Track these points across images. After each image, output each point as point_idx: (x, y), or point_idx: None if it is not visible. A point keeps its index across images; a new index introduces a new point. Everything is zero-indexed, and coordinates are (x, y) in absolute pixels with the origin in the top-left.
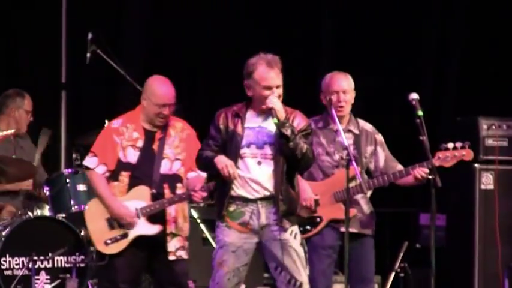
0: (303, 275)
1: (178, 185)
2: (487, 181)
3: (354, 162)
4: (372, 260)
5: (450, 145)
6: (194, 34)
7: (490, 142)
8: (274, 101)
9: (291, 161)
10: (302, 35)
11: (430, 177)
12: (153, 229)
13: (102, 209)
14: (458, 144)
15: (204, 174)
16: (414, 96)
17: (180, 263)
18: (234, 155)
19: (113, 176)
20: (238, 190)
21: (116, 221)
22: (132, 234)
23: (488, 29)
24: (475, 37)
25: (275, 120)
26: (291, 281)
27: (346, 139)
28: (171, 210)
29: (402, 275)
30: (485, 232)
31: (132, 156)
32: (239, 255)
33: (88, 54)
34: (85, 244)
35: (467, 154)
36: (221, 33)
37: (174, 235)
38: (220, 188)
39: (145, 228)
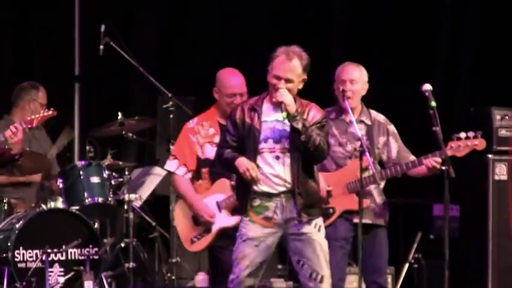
0: (324, 268)
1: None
2: (500, 172)
3: (367, 153)
4: (385, 251)
5: (462, 135)
6: (208, 25)
7: (503, 132)
8: (284, 94)
9: (304, 153)
10: (314, 24)
11: (443, 168)
12: (232, 220)
13: (187, 209)
14: (471, 134)
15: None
16: (427, 87)
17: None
18: (253, 151)
19: (196, 175)
20: (261, 186)
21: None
22: (215, 227)
23: (502, 18)
24: (489, 27)
25: (284, 114)
26: (312, 274)
27: (359, 130)
28: None
29: (416, 265)
30: (498, 223)
31: (210, 152)
32: (261, 250)
33: (101, 47)
34: (98, 236)
35: (480, 143)
36: (234, 24)
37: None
38: (242, 183)
39: (225, 220)
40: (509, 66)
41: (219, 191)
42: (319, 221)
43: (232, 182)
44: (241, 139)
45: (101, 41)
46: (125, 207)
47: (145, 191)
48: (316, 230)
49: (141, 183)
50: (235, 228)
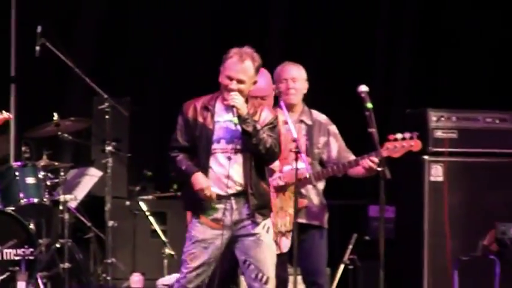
0: (270, 270)
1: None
2: (436, 173)
3: (303, 154)
4: (323, 252)
5: (399, 136)
6: (145, 27)
7: (439, 134)
8: (235, 97)
9: (256, 155)
10: (251, 24)
11: (379, 169)
12: None
13: None
14: (407, 135)
15: (299, 166)
16: (363, 88)
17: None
18: (206, 151)
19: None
20: (212, 187)
21: None
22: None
23: (439, 21)
24: (426, 29)
25: (235, 119)
26: (258, 275)
27: (299, 130)
28: None
29: (351, 267)
30: (434, 224)
31: None
32: (210, 252)
33: (37, 47)
34: (34, 237)
35: (416, 145)
36: (172, 25)
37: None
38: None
39: None
40: (445, 68)
41: None
42: (268, 222)
43: None
44: (193, 139)
45: (37, 42)
46: (60, 207)
47: (81, 192)
48: (264, 231)
49: (77, 184)
50: None
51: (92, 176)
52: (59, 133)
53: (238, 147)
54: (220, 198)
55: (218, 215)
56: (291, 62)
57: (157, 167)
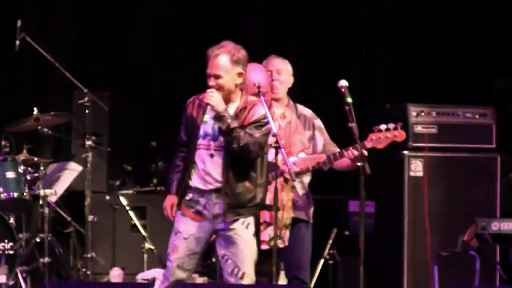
0: (247, 265)
1: (273, 174)
2: (416, 168)
3: (282, 149)
4: (307, 247)
5: (383, 126)
6: (124, 22)
7: (419, 129)
8: (211, 95)
9: (231, 153)
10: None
11: (359, 164)
12: None
13: None
14: (391, 126)
15: (304, 155)
16: (343, 83)
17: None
18: (193, 146)
19: None
20: (194, 181)
21: None
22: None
23: (418, 16)
24: (405, 24)
25: (206, 117)
26: (234, 270)
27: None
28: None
29: (331, 262)
30: (414, 219)
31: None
32: (190, 243)
33: (17, 42)
34: (13, 231)
35: (400, 135)
36: (153, 21)
37: (268, 224)
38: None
39: None
40: (425, 63)
41: None
42: (249, 219)
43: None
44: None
45: (16, 37)
46: (40, 202)
47: (61, 186)
48: (243, 227)
49: (57, 179)
50: None
51: (72, 170)
52: (39, 128)
53: (222, 144)
54: (202, 192)
55: (199, 207)
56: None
57: (137, 161)
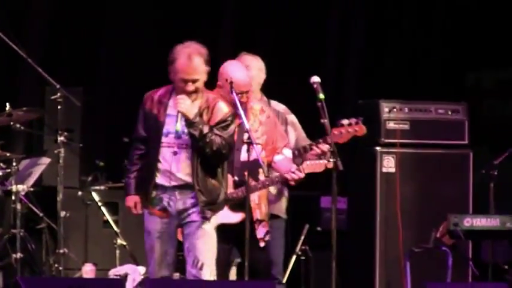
0: (207, 257)
1: (260, 170)
2: (388, 164)
3: (255, 146)
4: (280, 244)
5: (345, 121)
6: (97, 16)
7: (391, 125)
8: (181, 102)
9: (201, 153)
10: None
11: (331, 160)
12: (235, 217)
13: None
14: (353, 120)
15: (290, 155)
16: (315, 79)
17: (267, 249)
18: (156, 143)
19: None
20: (158, 179)
21: None
22: (216, 221)
23: (389, 11)
24: (376, 19)
25: (177, 126)
26: (195, 261)
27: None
28: (255, 197)
29: (303, 257)
30: (386, 215)
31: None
32: (164, 240)
33: None
34: None
35: (360, 129)
36: (124, 16)
37: (261, 221)
38: (143, 176)
39: (227, 216)
40: (396, 58)
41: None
42: (213, 214)
43: (235, 178)
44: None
45: None
46: (13, 198)
47: (31, 180)
48: (206, 220)
49: (29, 174)
50: (236, 225)
51: (43, 164)
52: (11, 123)
53: (187, 142)
54: (165, 189)
55: (163, 204)
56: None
57: (109, 157)
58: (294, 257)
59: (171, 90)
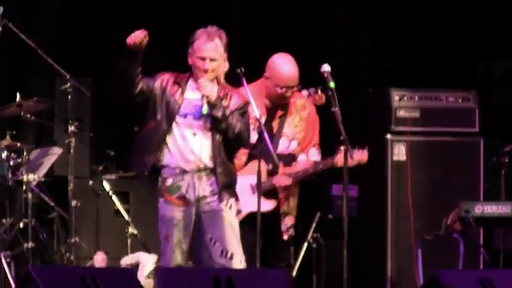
0: (235, 246)
1: (293, 164)
2: (399, 152)
3: (265, 134)
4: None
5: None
6: (108, 6)
7: (401, 113)
8: (204, 85)
9: (224, 136)
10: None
11: (342, 147)
12: (267, 205)
13: None
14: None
15: (314, 158)
16: (326, 68)
17: (291, 242)
18: (169, 119)
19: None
20: (176, 161)
21: None
22: (245, 210)
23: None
24: (386, 7)
25: (204, 110)
26: (223, 252)
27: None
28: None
29: (314, 245)
30: (397, 203)
31: (252, 134)
32: (181, 228)
33: None
34: None
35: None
36: (135, 6)
37: (286, 214)
38: (158, 162)
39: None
40: (406, 47)
41: (253, 173)
42: (232, 200)
43: (269, 167)
44: (149, 101)
45: None
46: (24, 187)
47: (43, 170)
48: (227, 208)
49: (40, 164)
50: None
51: (54, 154)
52: (22, 113)
53: (208, 125)
54: (182, 173)
55: (182, 192)
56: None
57: (119, 146)
58: (305, 245)
59: (188, 77)
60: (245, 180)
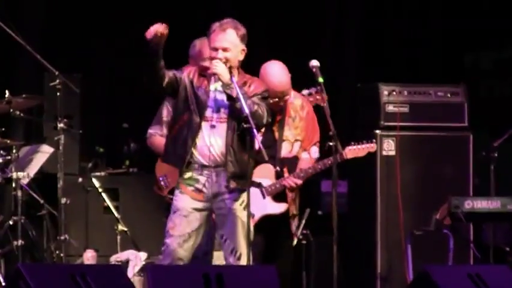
0: (243, 246)
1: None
2: (388, 147)
3: (255, 131)
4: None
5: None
6: (95, 2)
7: (390, 108)
8: (216, 65)
9: (242, 121)
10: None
11: (331, 144)
12: (279, 208)
13: None
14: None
15: (316, 155)
16: (314, 63)
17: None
18: (200, 115)
19: None
20: (195, 156)
21: None
22: (258, 214)
23: None
24: (376, 1)
25: (212, 86)
26: (233, 251)
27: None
28: (291, 193)
29: (304, 242)
30: (387, 198)
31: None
32: (190, 221)
33: None
34: None
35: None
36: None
37: (295, 216)
38: (176, 150)
39: (271, 207)
40: (395, 41)
41: (262, 176)
42: (244, 196)
43: (277, 169)
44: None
45: None
46: (13, 185)
47: (33, 169)
48: (241, 208)
49: (29, 161)
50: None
51: (45, 152)
52: (11, 110)
53: (224, 116)
54: (202, 168)
55: (199, 185)
56: None
57: (109, 143)
58: (295, 241)
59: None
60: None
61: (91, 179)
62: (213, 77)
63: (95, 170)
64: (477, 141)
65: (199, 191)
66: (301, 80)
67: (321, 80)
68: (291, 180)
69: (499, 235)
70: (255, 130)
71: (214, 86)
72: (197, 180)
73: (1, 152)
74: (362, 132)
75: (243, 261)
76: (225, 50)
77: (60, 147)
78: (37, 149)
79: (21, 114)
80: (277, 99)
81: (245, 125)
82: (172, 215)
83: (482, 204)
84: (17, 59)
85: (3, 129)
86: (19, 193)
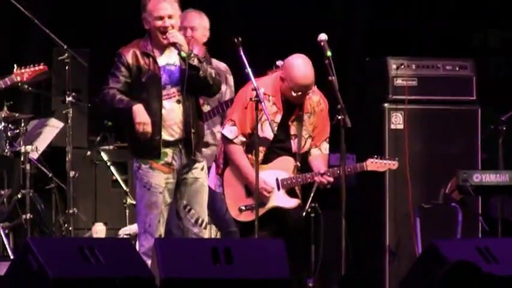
0: (206, 214)
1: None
2: (396, 121)
3: (263, 104)
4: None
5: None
6: None
7: (399, 82)
8: (175, 34)
9: (203, 89)
10: None
11: (339, 117)
12: (290, 202)
13: (240, 177)
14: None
15: (327, 152)
16: (323, 37)
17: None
18: (158, 98)
19: (249, 149)
20: (164, 133)
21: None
22: (269, 204)
23: None
24: None
25: (183, 54)
26: (198, 220)
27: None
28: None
29: (313, 215)
30: (395, 172)
31: (269, 131)
32: (165, 196)
33: None
34: None
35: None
36: None
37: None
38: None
39: (283, 200)
40: (404, 15)
41: (282, 168)
42: (205, 163)
43: (298, 163)
44: (132, 84)
45: None
46: (22, 158)
47: (42, 143)
48: (205, 175)
49: (37, 135)
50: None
51: (53, 127)
52: (19, 84)
53: (183, 89)
54: (168, 144)
55: (168, 159)
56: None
57: (117, 117)
58: (303, 215)
59: (148, 41)
60: (272, 175)
61: (99, 153)
62: (177, 46)
63: (103, 143)
64: (483, 116)
65: (168, 164)
66: (309, 54)
67: (329, 53)
68: (325, 179)
69: (507, 208)
70: (263, 104)
71: (164, 62)
72: (165, 154)
73: (10, 125)
74: (370, 106)
75: (207, 230)
76: (170, 17)
77: (69, 121)
78: (45, 122)
79: (30, 88)
80: (300, 93)
81: (254, 99)
82: (147, 192)
83: (490, 178)
84: (26, 33)
85: (11, 102)
86: (27, 167)
